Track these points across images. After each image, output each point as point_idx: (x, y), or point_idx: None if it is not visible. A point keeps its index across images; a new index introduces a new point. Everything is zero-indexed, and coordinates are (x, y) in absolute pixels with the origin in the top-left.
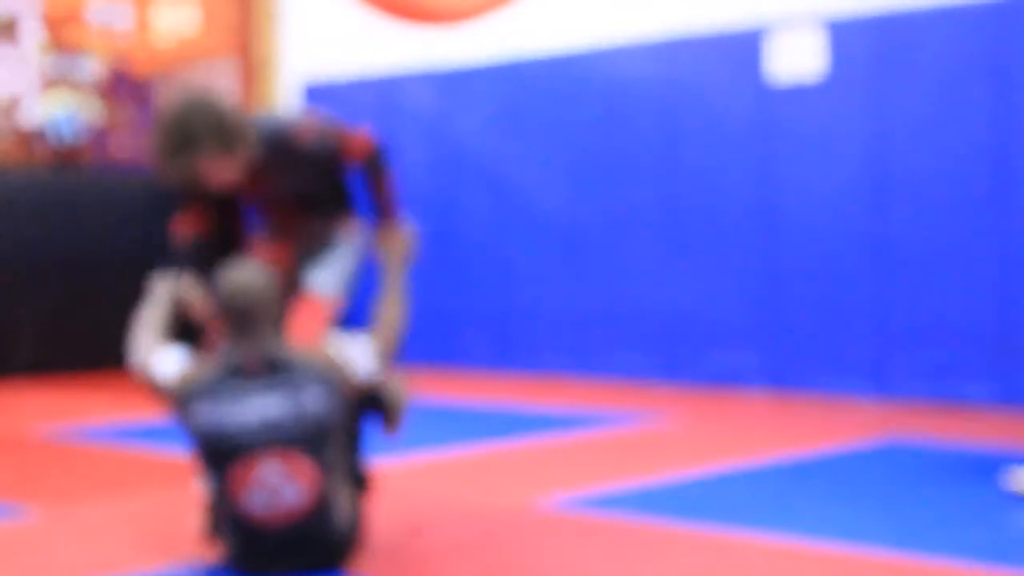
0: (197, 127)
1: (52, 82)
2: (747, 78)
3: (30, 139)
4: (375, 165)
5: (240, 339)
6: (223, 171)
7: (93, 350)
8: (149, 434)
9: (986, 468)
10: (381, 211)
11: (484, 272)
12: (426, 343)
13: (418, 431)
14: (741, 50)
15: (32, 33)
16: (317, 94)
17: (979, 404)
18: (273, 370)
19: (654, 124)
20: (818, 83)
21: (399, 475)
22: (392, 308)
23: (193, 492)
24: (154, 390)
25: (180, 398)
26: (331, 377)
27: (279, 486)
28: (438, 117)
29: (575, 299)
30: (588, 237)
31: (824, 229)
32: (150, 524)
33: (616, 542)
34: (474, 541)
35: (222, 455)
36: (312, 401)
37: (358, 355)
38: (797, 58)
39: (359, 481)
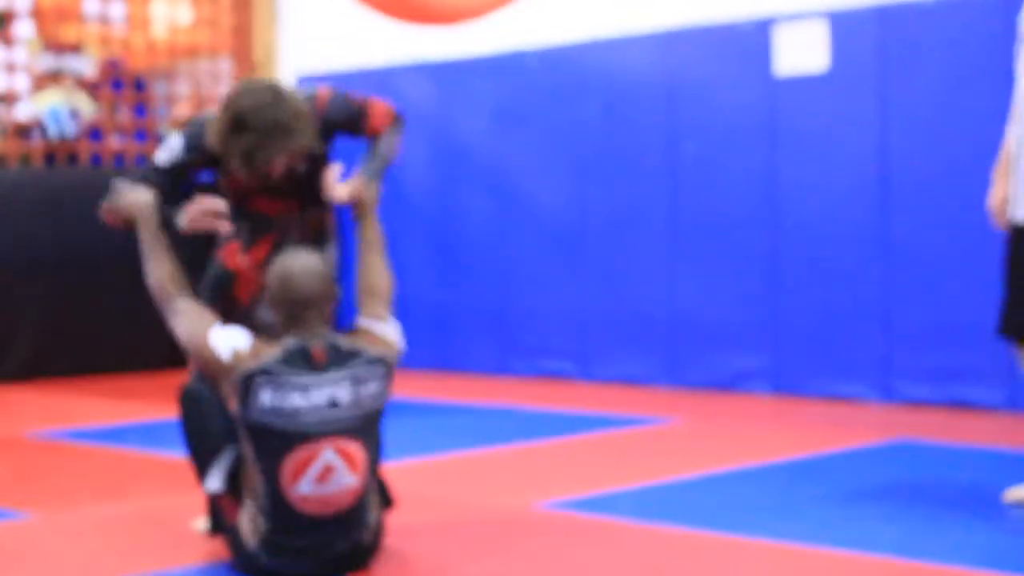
0: (290, 120)
1: (47, 77)
2: (751, 71)
3: (25, 134)
4: (396, 129)
5: (301, 327)
6: (289, 161)
7: (91, 350)
8: (148, 436)
9: (993, 472)
10: (375, 174)
11: (484, 273)
12: (425, 345)
13: (419, 433)
14: (745, 43)
15: (27, 28)
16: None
17: (986, 408)
18: (337, 359)
19: (656, 118)
20: (823, 76)
21: (401, 477)
22: (382, 268)
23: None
24: (208, 362)
25: (241, 377)
26: (388, 362)
27: (336, 473)
28: (436, 111)
29: (576, 301)
30: (589, 237)
31: (829, 229)
32: (149, 526)
33: (619, 545)
34: (476, 543)
35: (284, 442)
36: (370, 391)
37: (391, 334)
38: (802, 50)
39: (383, 496)
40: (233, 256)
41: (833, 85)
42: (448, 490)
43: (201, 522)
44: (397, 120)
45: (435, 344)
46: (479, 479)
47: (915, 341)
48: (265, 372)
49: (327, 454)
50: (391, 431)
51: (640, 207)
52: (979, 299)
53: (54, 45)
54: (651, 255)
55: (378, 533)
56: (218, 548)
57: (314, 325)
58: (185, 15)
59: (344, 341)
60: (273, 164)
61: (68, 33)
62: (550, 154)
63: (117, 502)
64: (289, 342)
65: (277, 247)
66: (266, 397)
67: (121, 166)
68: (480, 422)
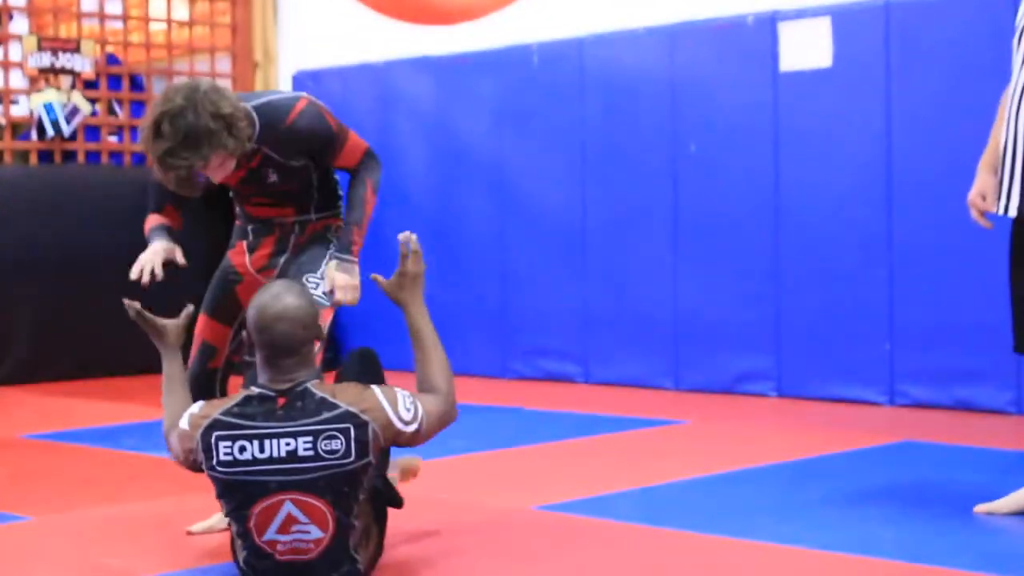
0: (201, 127)
1: (44, 75)
2: (755, 67)
3: (20, 133)
4: (374, 165)
5: (270, 369)
6: (222, 167)
7: (88, 351)
8: (146, 437)
9: (998, 474)
10: (359, 222)
11: (484, 273)
12: None
13: None
14: (749, 39)
15: (23, 25)
16: (310, 82)
17: (991, 410)
18: (303, 409)
19: (659, 115)
20: (827, 72)
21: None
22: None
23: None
24: (185, 447)
25: (200, 436)
26: (361, 421)
27: (298, 524)
28: (436, 107)
29: (578, 301)
30: (591, 236)
31: (833, 229)
32: (149, 527)
33: (620, 547)
34: (477, 545)
35: (247, 496)
36: (332, 447)
37: (387, 402)
38: (806, 46)
39: (392, 498)
40: (241, 256)
41: (837, 81)
42: (448, 491)
43: (200, 525)
44: (372, 157)
45: None
46: (480, 480)
47: (920, 343)
48: (219, 424)
49: (287, 506)
50: None
51: (643, 205)
52: (984, 300)
53: (50, 43)
54: (654, 255)
55: (373, 558)
56: (218, 549)
57: (291, 370)
58: (183, 12)
59: (320, 389)
60: (191, 170)
61: (66, 29)
62: (551, 151)
63: (116, 503)
64: (252, 391)
65: (279, 250)
66: (224, 449)
67: (119, 164)
68: (480, 423)
